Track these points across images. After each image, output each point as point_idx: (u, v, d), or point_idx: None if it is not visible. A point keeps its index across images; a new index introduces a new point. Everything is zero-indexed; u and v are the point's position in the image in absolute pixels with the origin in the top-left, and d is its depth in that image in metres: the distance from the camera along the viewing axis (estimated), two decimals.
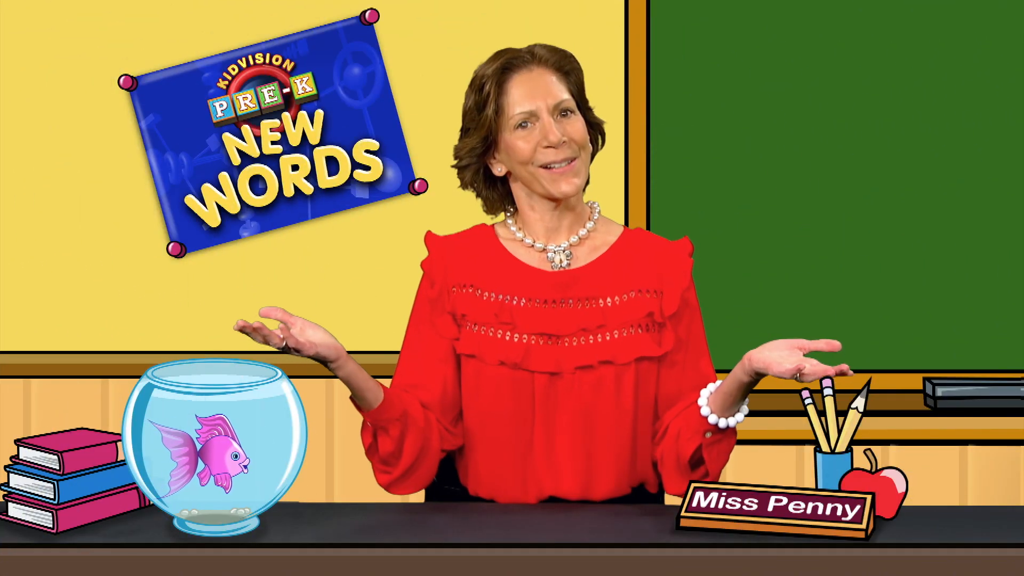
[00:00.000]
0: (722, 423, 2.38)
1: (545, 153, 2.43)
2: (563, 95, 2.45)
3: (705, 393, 2.40)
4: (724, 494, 2.24)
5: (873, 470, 2.29)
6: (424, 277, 2.53)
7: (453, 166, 2.53)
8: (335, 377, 3.26)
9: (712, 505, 2.22)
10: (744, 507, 2.21)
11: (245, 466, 2.14)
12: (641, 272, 2.48)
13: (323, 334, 2.35)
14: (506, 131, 2.45)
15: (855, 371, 2.33)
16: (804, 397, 2.39)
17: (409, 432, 2.43)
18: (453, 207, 2.81)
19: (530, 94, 2.45)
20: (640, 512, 2.37)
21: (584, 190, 2.54)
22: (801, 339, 2.34)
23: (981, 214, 3.61)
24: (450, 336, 2.48)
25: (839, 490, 2.28)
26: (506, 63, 2.46)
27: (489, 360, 2.45)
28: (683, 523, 2.21)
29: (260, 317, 2.31)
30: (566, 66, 2.48)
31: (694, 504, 2.23)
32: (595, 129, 2.52)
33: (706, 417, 2.38)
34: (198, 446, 2.12)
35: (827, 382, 2.37)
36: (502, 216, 2.56)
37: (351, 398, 2.42)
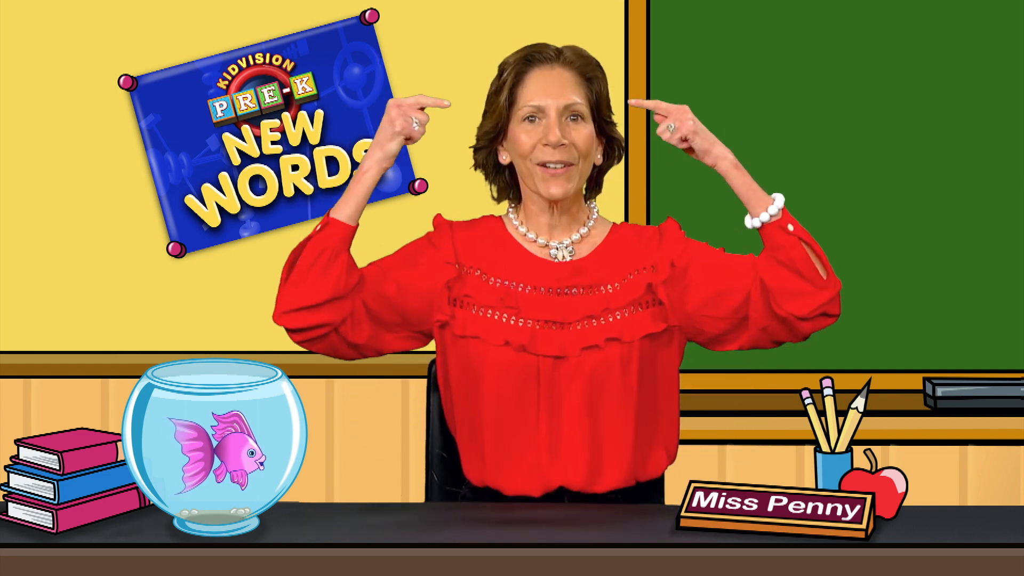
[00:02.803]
0: (772, 211, 2.44)
1: (543, 151, 2.46)
2: (576, 99, 2.47)
3: (747, 221, 2.47)
4: (724, 494, 2.24)
5: (873, 470, 2.29)
6: (425, 238, 2.55)
7: (471, 147, 2.57)
8: (335, 377, 3.25)
9: (712, 505, 2.22)
10: (744, 507, 2.21)
11: (261, 463, 2.14)
12: (636, 255, 2.52)
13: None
14: (514, 122, 2.49)
15: (855, 371, 2.34)
16: (804, 397, 2.39)
17: (336, 268, 2.43)
18: (453, 207, 2.82)
19: (543, 90, 2.48)
20: (640, 512, 2.37)
21: (594, 198, 2.58)
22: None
23: (981, 214, 3.61)
24: (405, 287, 2.49)
25: (839, 490, 2.28)
26: (530, 55, 2.50)
27: (493, 341, 2.46)
28: (683, 523, 2.21)
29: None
30: (589, 73, 2.51)
31: (694, 504, 2.23)
32: (612, 143, 2.55)
33: (762, 225, 2.46)
34: (214, 443, 2.12)
35: (827, 382, 2.37)
36: (505, 208, 2.58)
37: (331, 214, 2.46)
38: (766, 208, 2.45)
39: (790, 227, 2.44)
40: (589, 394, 2.45)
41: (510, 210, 2.57)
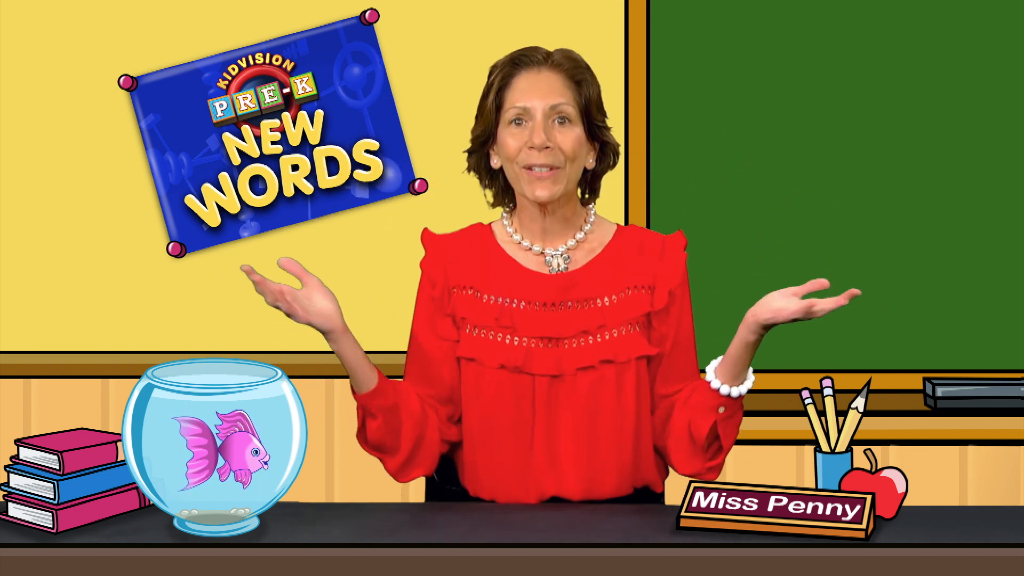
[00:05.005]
0: (734, 392, 2.40)
1: (528, 154, 2.43)
2: (562, 100, 2.44)
3: (711, 368, 2.42)
4: (724, 494, 2.24)
5: (873, 470, 2.29)
6: (424, 277, 2.53)
7: (465, 150, 2.55)
8: (335, 377, 3.24)
9: (712, 505, 2.22)
10: (744, 507, 2.21)
11: (265, 462, 2.14)
12: (636, 269, 2.49)
13: (326, 303, 2.38)
14: (502, 125, 2.46)
15: (855, 371, 2.34)
16: (804, 397, 2.39)
17: (404, 423, 2.44)
18: (453, 207, 2.82)
19: (529, 92, 2.45)
20: (640, 512, 2.37)
21: (592, 202, 2.55)
22: (790, 287, 2.37)
23: (981, 214, 3.61)
24: (450, 338, 2.49)
25: (839, 490, 2.28)
26: (517, 58, 2.47)
27: (489, 364, 2.45)
28: (683, 523, 2.21)
29: (278, 268, 2.34)
30: (578, 75, 2.47)
31: (694, 504, 2.23)
32: (605, 147, 2.51)
33: (717, 390, 2.40)
34: (218, 442, 2.12)
35: (827, 382, 2.37)
36: (499, 214, 2.56)
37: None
38: (729, 384, 2.41)
39: (721, 409, 2.42)
40: (585, 413, 2.44)
41: (504, 216, 2.55)
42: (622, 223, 3.55)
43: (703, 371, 2.48)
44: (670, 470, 2.57)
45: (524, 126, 2.44)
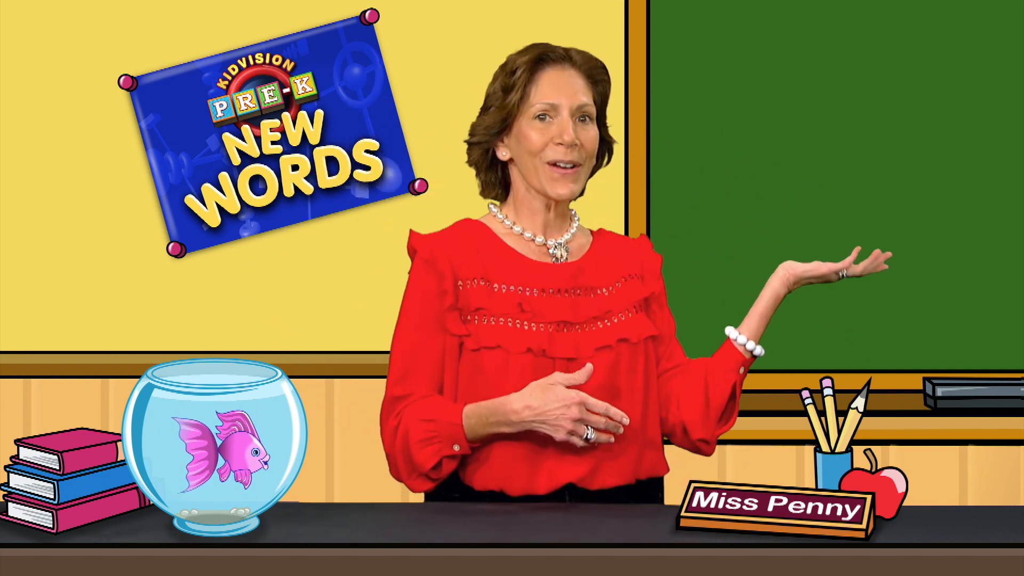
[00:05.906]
0: (758, 350, 2.53)
1: (555, 150, 2.48)
2: (587, 100, 2.50)
3: (733, 330, 2.54)
4: (724, 494, 2.24)
5: (873, 470, 2.29)
6: (426, 272, 2.50)
7: (466, 141, 2.56)
8: (335, 377, 3.23)
9: (712, 505, 2.22)
10: (744, 507, 2.21)
11: (265, 462, 2.14)
12: (623, 260, 2.58)
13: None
14: (523, 118, 2.50)
15: (854, 371, 2.35)
16: (804, 397, 2.39)
17: None
18: (453, 207, 2.81)
19: (557, 89, 2.49)
20: (640, 512, 2.37)
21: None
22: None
23: (981, 215, 3.61)
24: (460, 333, 2.49)
25: (839, 490, 2.28)
26: (542, 54, 2.52)
27: (515, 349, 2.46)
28: (683, 523, 2.21)
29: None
30: (596, 75, 2.54)
31: (694, 504, 2.23)
32: (605, 145, 2.58)
33: (743, 347, 2.52)
34: (218, 442, 2.12)
35: (827, 382, 2.38)
36: (487, 210, 2.58)
37: (466, 440, 2.45)
38: (756, 340, 2.54)
39: (742, 370, 2.54)
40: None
41: (495, 210, 2.57)
42: (622, 223, 3.57)
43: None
44: (671, 461, 2.58)
45: (549, 122, 2.49)
